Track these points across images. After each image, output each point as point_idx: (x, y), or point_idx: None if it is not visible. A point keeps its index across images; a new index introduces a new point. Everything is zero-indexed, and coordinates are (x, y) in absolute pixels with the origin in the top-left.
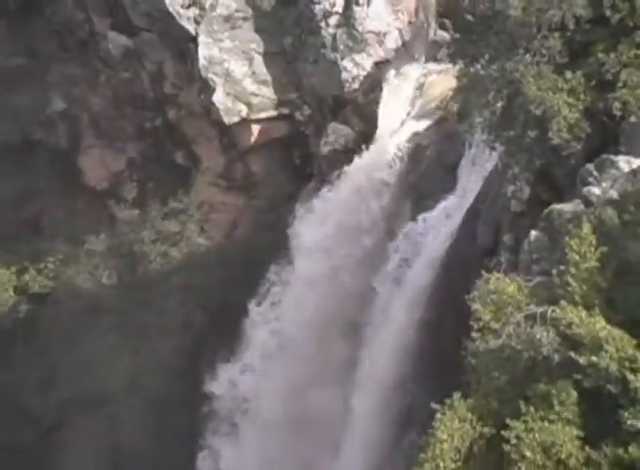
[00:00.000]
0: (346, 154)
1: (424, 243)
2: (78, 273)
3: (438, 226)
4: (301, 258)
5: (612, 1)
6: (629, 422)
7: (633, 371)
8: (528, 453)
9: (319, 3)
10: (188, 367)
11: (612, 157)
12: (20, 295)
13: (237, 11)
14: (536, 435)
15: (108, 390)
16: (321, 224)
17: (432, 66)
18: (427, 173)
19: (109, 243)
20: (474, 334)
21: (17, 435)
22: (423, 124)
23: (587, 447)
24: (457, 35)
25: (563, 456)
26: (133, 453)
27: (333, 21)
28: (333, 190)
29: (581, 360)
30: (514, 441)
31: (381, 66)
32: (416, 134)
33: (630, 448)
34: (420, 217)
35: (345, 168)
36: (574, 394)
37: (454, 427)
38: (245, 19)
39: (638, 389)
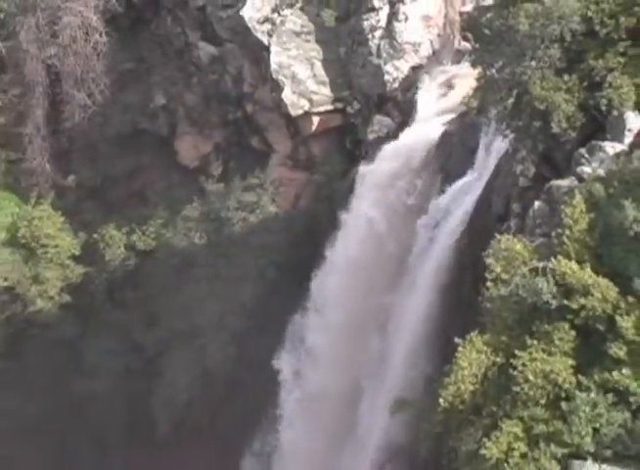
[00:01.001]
0: (388, 140)
1: (449, 217)
2: (175, 234)
3: (462, 198)
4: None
5: (600, 19)
6: (613, 351)
7: (616, 310)
8: (531, 378)
9: (367, 20)
10: (262, 310)
11: (600, 143)
12: (128, 251)
13: (302, 26)
14: (538, 364)
15: (199, 327)
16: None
17: (456, 70)
18: (453, 155)
19: (200, 210)
20: (488, 283)
21: (127, 362)
22: (449, 116)
23: (579, 375)
24: (477, 45)
25: (559, 381)
26: (219, 377)
27: (378, 34)
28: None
29: (573, 305)
30: (520, 368)
31: (416, 69)
32: (444, 124)
33: (614, 374)
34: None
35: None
36: (572, 332)
37: (472, 357)
38: (309, 32)
39: (622, 326)
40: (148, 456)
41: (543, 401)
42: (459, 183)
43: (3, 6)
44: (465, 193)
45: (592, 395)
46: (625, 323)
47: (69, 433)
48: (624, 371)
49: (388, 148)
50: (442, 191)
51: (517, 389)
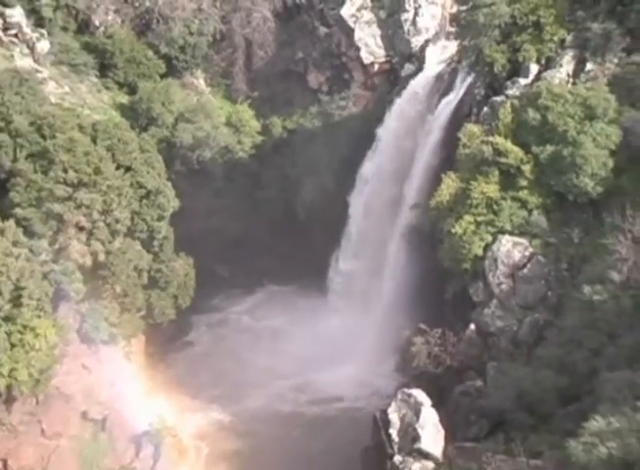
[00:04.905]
0: (412, 77)
1: (443, 112)
2: (306, 121)
3: (448, 105)
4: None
5: (519, 16)
6: (519, 181)
7: (521, 162)
8: (476, 195)
9: (403, 16)
10: (350, 159)
11: (517, 78)
12: (283, 130)
13: (370, 19)
14: (482, 188)
15: (318, 167)
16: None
17: (447, 42)
18: (443, 84)
19: (317, 109)
20: (460, 148)
21: (283, 182)
22: (442, 65)
23: (502, 193)
24: (457, 29)
25: (491, 196)
26: (328, 191)
27: (408, 23)
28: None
29: (501, 160)
30: (473, 189)
31: (427, 41)
32: (439, 69)
33: (520, 193)
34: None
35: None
36: (497, 172)
37: (449, 183)
38: (373, 22)
39: (524, 170)
40: (293, 231)
41: (483, 205)
42: (446, 98)
43: (226, 8)
44: (449, 103)
45: (509, 202)
46: (525, 168)
47: (254, 217)
48: (524, 192)
49: (413, 82)
50: (439, 101)
51: (470, 200)
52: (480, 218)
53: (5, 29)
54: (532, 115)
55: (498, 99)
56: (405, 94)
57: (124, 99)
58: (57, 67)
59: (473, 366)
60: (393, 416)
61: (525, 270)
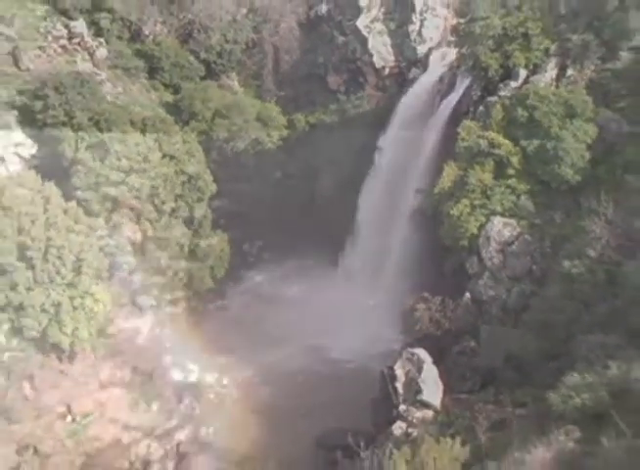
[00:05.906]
0: (418, 79)
1: (444, 110)
2: (325, 118)
3: (448, 105)
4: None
5: (510, 28)
6: (508, 171)
7: (511, 154)
8: (473, 181)
9: (410, 27)
10: (368, 149)
11: (509, 81)
12: (305, 124)
13: (381, 29)
14: (479, 176)
15: (334, 159)
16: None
17: (448, 49)
18: (444, 86)
19: (336, 107)
20: (459, 141)
21: (309, 170)
22: (444, 70)
23: (494, 180)
24: (457, 39)
25: (486, 183)
26: (340, 176)
27: (414, 33)
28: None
29: (496, 151)
30: (471, 177)
31: (431, 48)
32: (442, 72)
33: (509, 181)
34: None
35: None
36: (492, 162)
37: (450, 172)
38: (385, 32)
39: (512, 161)
40: (314, 215)
41: (479, 191)
42: (447, 98)
43: (258, 19)
44: (450, 102)
45: (502, 189)
46: (514, 159)
47: (280, 202)
48: (514, 180)
49: (418, 83)
50: (440, 101)
51: (467, 187)
52: (475, 202)
53: (70, 38)
54: (521, 113)
55: (492, 99)
56: (408, 94)
57: (169, 98)
58: (112, 70)
59: (468, 330)
60: (399, 372)
61: (514, 247)
